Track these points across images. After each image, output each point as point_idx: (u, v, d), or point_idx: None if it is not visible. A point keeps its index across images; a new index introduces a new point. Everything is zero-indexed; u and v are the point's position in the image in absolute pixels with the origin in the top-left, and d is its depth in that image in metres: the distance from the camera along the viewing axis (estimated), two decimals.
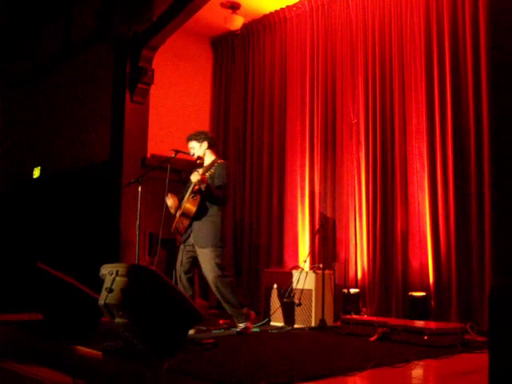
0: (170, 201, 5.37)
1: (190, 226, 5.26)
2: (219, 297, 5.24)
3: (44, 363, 4.23)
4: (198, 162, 5.42)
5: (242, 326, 5.23)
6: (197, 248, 5.24)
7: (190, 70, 8.42)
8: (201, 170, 5.23)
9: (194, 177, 5.15)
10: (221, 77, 8.57)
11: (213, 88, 8.69)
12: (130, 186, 5.64)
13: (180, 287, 5.23)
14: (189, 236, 5.30)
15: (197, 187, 5.15)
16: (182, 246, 5.38)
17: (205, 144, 5.44)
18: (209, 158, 5.48)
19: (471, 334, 4.84)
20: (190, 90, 8.39)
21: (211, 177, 5.24)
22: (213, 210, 5.25)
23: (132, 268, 3.99)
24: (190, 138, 5.49)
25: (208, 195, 5.17)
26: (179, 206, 5.32)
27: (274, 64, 7.79)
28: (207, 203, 5.23)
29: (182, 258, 5.34)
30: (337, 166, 6.78)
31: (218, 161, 5.48)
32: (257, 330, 5.46)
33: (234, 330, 5.26)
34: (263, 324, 5.88)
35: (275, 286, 6.04)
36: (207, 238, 5.20)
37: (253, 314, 5.42)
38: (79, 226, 7.74)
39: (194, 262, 5.32)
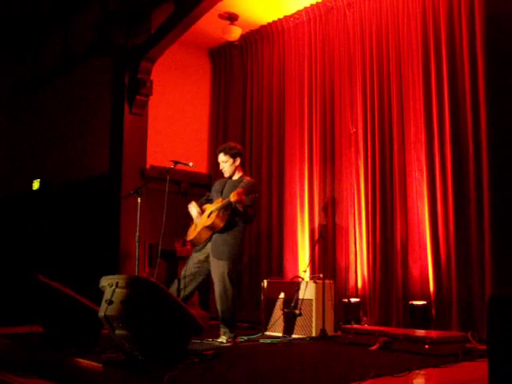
0: (195, 211, 5.34)
1: (210, 236, 5.25)
2: (219, 307, 5.21)
3: (44, 376, 4.22)
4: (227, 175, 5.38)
5: (223, 340, 5.16)
6: (212, 258, 5.19)
7: (189, 81, 8.44)
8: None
9: (233, 197, 4.92)
10: (219, 87, 8.60)
11: (211, 99, 8.71)
12: (130, 197, 5.63)
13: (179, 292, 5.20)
14: (205, 245, 5.27)
15: (229, 203, 5.01)
16: (195, 254, 5.33)
17: (238, 160, 5.35)
18: (237, 174, 5.41)
19: (472, 342, 4.83)
20: (189, 101, 8.41)
21: None
22: (236, 225, 5.21)
23: (132, 280, 3.99)
24: (224, 152, 5.34)
25: (242, 215, 5.13)
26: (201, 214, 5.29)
27: (272, 74, 7.81)
28: (233, 218, 5.18)
29: (190, 263, 5.27)
30: (336, 175, 6.78)
31: (246, 178, 5.40)
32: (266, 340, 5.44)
33: (217, 341, 5.19)
34: (264, 335, 5.86)
35: (280, 296, 6.00)
36: (225, 251, 5.15)
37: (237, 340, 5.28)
38: (79, 238, 7.74)
39: (202, 272, 5.25)
